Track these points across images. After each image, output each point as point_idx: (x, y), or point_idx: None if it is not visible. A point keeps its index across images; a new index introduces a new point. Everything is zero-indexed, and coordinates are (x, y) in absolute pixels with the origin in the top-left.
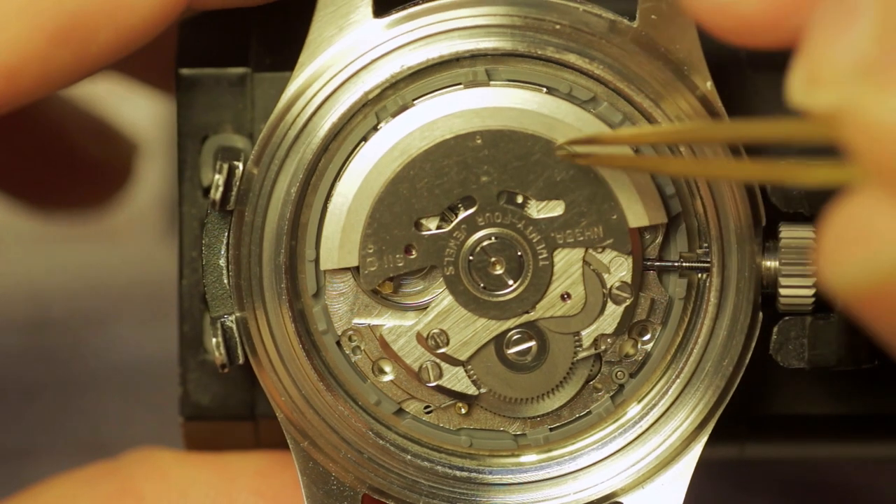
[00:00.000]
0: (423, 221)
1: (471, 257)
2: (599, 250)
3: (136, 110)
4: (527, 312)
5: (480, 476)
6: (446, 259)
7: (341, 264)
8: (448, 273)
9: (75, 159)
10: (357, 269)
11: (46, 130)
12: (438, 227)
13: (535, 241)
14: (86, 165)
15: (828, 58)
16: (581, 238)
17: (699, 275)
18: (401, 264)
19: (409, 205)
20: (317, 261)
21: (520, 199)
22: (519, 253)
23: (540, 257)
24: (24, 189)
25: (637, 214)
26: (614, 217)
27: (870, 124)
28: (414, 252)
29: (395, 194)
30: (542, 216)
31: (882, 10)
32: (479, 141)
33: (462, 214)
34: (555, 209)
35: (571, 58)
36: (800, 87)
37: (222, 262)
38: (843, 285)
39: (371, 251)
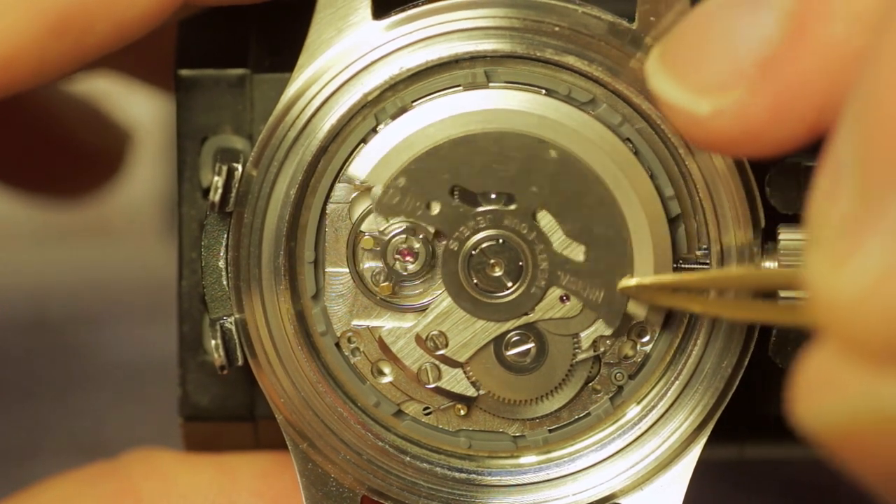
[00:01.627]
0: (458, 192)
1: (470, 259)
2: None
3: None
4: (526, 314)
5: (479, 477)
6: (455, 236)
7: (369, 180)
8: (451, 248)
9: (69, 147)
10: (357, 269)
11: (40, 117)
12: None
13: (537, 249)
14: (79, 153)
15: (810, 224)
16: (579, 291)
17: None
18: (418, 213)
19: (457, 169)
20: (316, 262)
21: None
22: (518, 255)
23: (540, 258)
24: (17, 175)
25: (639, 306)
26: (617, 296)
27: (824, 298)
28: (434, 211)
29: (453, 152)
30: (561, 251)
31: (848, 198)
32: (553, 154)
33: (491, 207)
34: (575, 252)
35: (570, 59)
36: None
37: (221, 263)
38: (813, 429)
39: (400, 183)
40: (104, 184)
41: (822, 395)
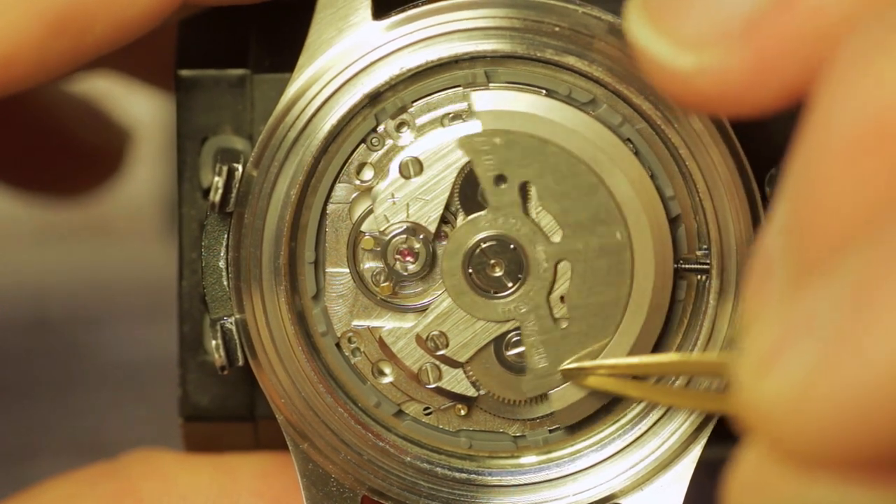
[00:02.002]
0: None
1: (470, 269)
2: None
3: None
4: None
5: (480, 478)
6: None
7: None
8: (451, 249)
9: (69, 146)
10: (357, 270)
11: (40, 116)
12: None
13: (530, 236)
14: (79, 152)
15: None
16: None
17: (698, 276)
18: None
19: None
20: (316, 262)
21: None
22: (518, 255)
23: (540, 259)
24: (18, 174)
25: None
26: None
27: (750, 403)
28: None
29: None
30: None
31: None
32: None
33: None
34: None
35: (571, 60)
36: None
37: (222, 263)
38: None
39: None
40: (104, 183)
41: (752, 500)
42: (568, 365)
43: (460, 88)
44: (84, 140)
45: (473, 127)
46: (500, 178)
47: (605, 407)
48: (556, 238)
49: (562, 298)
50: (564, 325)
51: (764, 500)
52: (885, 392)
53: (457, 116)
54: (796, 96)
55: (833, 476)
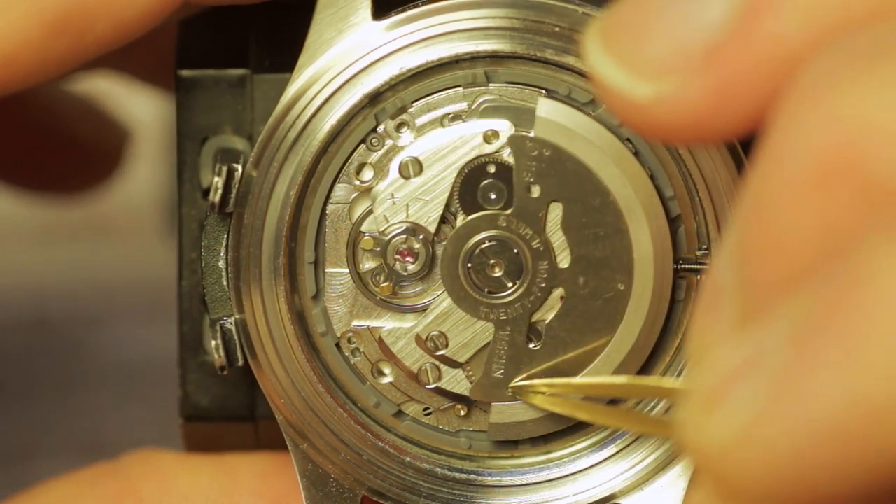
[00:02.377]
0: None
1: (469, 263)
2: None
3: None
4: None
5: (479, 478)
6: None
7: None
8: (450, 249)
9: (68, 144)
10: (357, 270)
11: (40, 115)
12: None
13: (527, 236)
14: (79, 150)
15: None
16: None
17: (698, 276)
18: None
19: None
20: (316, 263)
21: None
22: (516, 252)
23: (539, 259)
24: (17, 173)
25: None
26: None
27: (696, 442)
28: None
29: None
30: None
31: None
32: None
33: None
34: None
35: (570, 60)
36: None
37: (221, 263)
38: None
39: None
40: (104, 181)
41: None
42: (518, 382)
43: (460, 88)
44: (84, 138)
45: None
46: (532, 187)
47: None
48: (563, 264)
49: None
50: (536, 347)
51: None
52: (824, 437)
53: (456, 117)
54: (756, 124)
55: None
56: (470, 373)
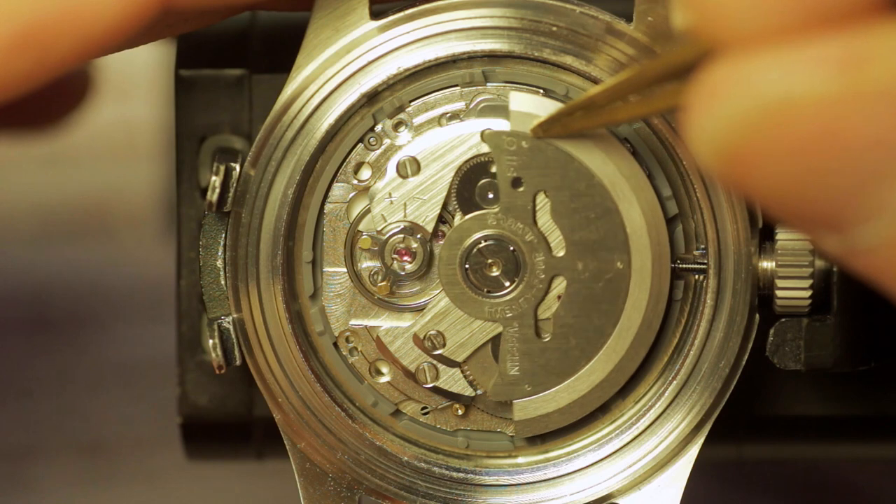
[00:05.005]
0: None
1: (467, 265)
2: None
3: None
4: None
5: (477, 477)
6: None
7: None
8: (448, 248)
9: None
10: (354, 269)
11: None
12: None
13: (529, 240)
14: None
15: None
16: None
17: (696, 276)
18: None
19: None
20: (314, 262)
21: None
22: (515, 255)
23: (536, 258)
24: None
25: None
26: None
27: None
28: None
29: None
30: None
31: None
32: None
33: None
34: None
35: (568, 59)
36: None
37: (219, 263)
38: (707, 146)
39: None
40: (72, 111)
41: (717, 100)
42: (534, 125)
43: (458, 88)
44: None
45: (501, 125)
46: (517, 181)
47: (601, 408)
48: (559, 253)
49: (559, 297)
50: (546, 338)
51: (732, 83)
52: None
53: (454, 116)
54: None
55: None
56: (468, 372)
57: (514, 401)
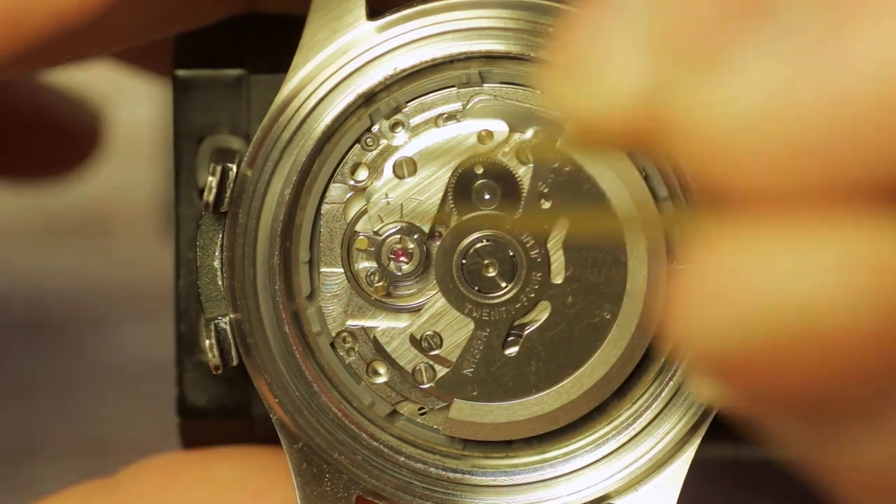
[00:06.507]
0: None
1: (464, 260)
2: None
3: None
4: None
5: (474, 478)
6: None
7: None
8: (444, 249)
9: (41, 126)
10: (351, 270)
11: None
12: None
13: (528, 244)
14: (52, 132)
15: None
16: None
17: None
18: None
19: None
20: (311, 262)
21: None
22: (511, 254)
23: (533, 258)
24: None
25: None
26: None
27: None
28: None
29: None
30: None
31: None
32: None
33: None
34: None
35: None
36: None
37: (216, 263)
38: (703, 344)
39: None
40: (79, 164)
41: (713, 302)
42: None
43: (455, 89)
44: (56, 121)
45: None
46: (544, 198)
47: (598, 408)
48: (557, 279)
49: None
50: (510, 353)
51: (730, 282)
52: (869, 96)
53: (451, 117)
54: None
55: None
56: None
57: (455, 399)
